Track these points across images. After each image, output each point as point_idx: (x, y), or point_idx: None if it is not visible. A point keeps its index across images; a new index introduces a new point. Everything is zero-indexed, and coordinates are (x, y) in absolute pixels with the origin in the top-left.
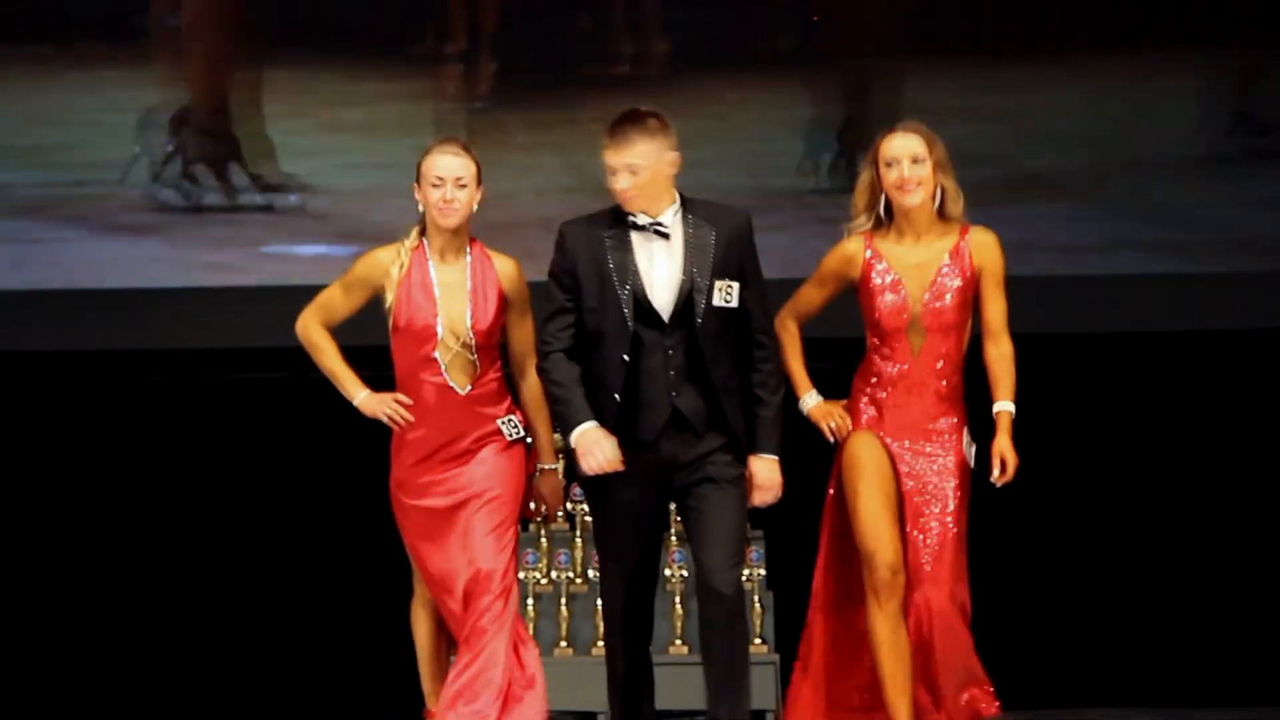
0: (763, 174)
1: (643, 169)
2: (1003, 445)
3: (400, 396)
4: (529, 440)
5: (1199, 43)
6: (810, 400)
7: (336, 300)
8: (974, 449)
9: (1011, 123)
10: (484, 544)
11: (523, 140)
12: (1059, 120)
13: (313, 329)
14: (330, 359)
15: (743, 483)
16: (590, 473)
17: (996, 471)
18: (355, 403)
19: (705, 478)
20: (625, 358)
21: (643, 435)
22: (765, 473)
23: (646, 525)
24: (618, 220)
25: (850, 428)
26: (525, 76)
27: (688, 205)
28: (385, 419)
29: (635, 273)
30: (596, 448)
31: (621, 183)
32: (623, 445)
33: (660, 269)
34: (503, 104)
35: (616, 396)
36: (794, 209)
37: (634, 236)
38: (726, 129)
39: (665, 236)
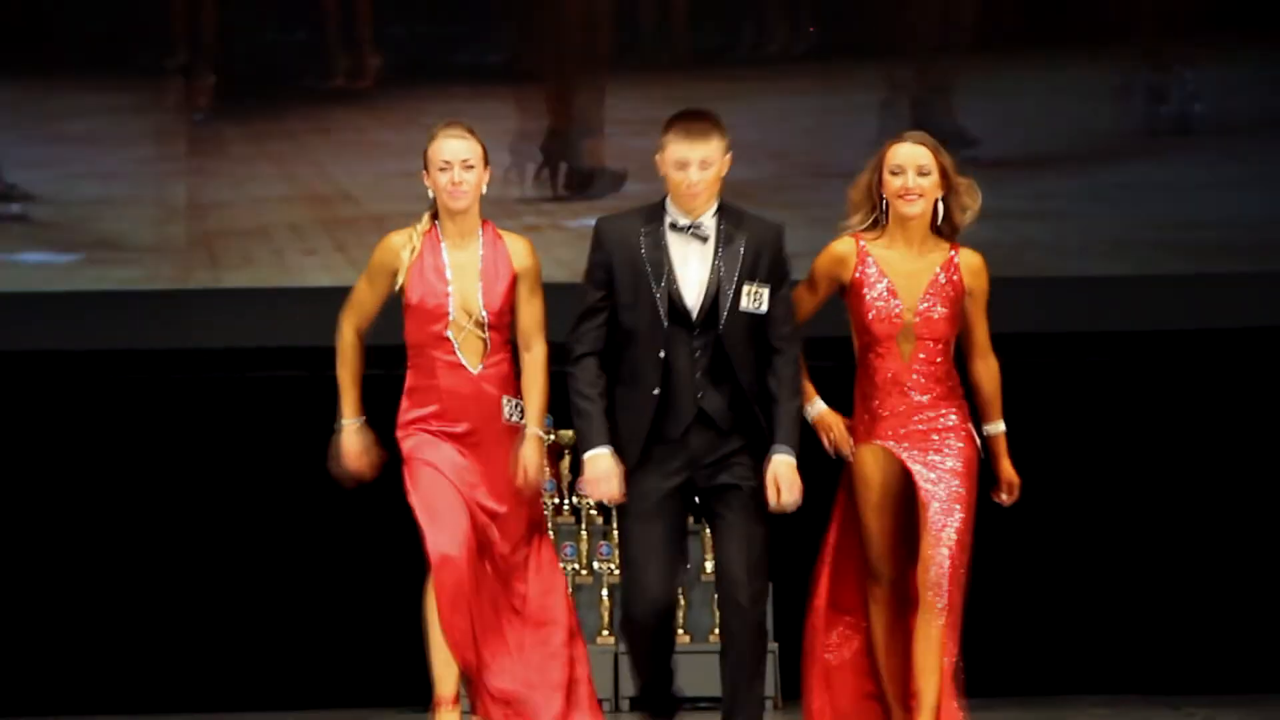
0: (497, 183)
1: (714, 163)
2: (1008, 472)
3: (369, 458)
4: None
5: (882, 57)
6: (812, 410)
7: (363, 294)
8: (978, 435)
9: None
10: (510, 544)
11: (241, 151)
12: (750, 132)
13: (345, 334)
14: (345, 371)
15: (765, 490)
16: (591, 499)
17: (1005, 495)
18: (340, 425)
19: (731, 484)
20: (662, 355)
21: (670, 433)
22: (786, 472)
23: (673, 517)
24: (654, 218)
25: (849, 445)
26: (243, 89)
27: (723, 210)
28: (342, 465)
29: (670, 272)
30: (604, 481)
31: (695, 175)
32: (650, 440)
33: (692, 269)
34: (221, 116)
35: (655, 393)
36: (499, 217)
37: (670, 236)
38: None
39: (703, 239)
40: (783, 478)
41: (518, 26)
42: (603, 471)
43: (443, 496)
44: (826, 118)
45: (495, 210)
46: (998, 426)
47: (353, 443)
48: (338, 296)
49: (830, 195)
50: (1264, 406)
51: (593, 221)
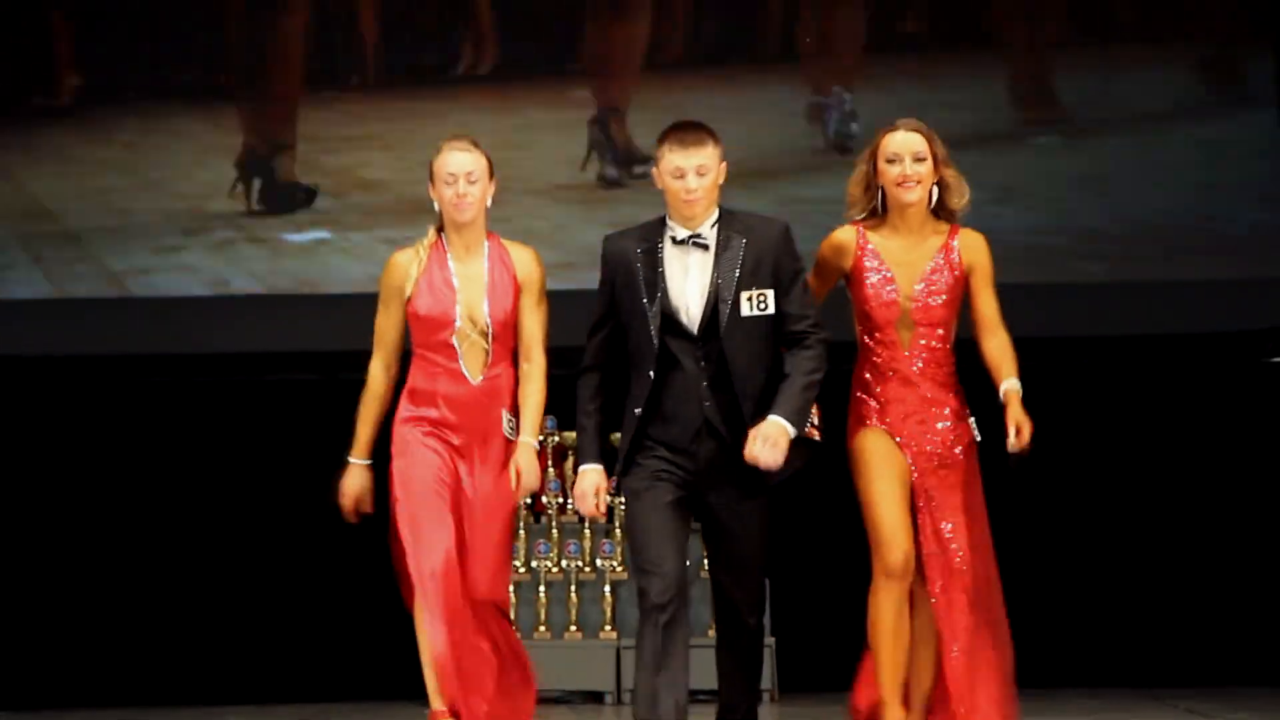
0: (193, 198)
1: (710, 170)
2: (1017, 415)
3: (363, 503)
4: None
5: (562, 78)
6: None
7: (383, 325)
8: (974, 420)
9: (404, 151)
10: (482, 568)
11: None
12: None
13: (372, 372)
14: (364, 410)
15: (764, 512)
16: (579, 511)
17: (1012, 437)
18: (348, 460)
19: (730, 505)
20: (651, 373)
21: (678, 443)
22: (771, 430)
23: (677, 494)
24: (652, 235)
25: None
26: None
27: (724, 218)
28: (344, 504)
29: (664, 288)
30: (586, 498)
31: (693, 182)
32: (661, 448)
33: (693, 280)
34: None
35: (638, 411)
36: (198, 232)
37: (667, 250)
38: (139, 157)
39: (705, 248)
40: (765, 434)
41: (215, 46)
42: (586, 488)
43: (427, 509)
44: (512, 135)
45: (195, 225)
46: (1011, 384)
47: (353, 483)
48: (347, 302)
49: (518, 210)
50: (1230, 412)
51: (286, 237)
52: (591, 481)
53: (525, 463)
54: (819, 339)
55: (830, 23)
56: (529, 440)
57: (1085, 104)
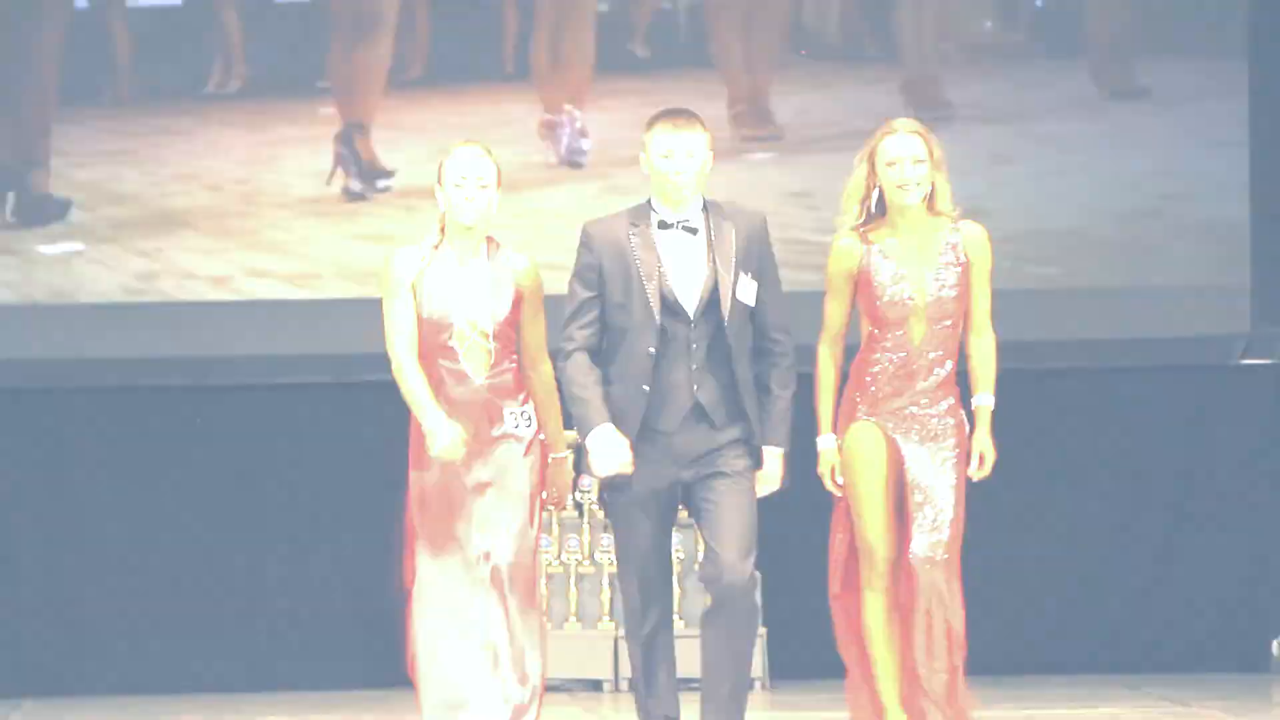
0: None
1: (699, 153)
2: (983, 442)
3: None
4: (541, 436)
5: (307, 97)
6: (822, 444)
7: (401, 312)
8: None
9: (154, 166)
10: (503, 537)
11: None
12: (188, 164)
13: (402, 356)
14: (417, 383)
15: (753, 475)
16: (601, 475)
17: (975, 465)
18: (426, 426)
19: (717, 472)
20: (652, 350)
21: (663, 426)
22: (767, 464)
23: (660, 515)
24: (641, 219)
25: (838, 491)
26: None
27: (709, 205)
28: (445, 443)
29: (661, 269)
30: (610, 453)
31: (682, 163)
32: (642, 434)
33: (686, 264)
34: None
35: (646, 388)
36: None
37: (658, 234)
38: None
39: (693, 232)
40: (768, 481)
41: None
42: (608, 444)
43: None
44: (261, 150)
45: None
46: (984, 399)
47: (453, 431)
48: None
49: (264, 222)
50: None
51: (40, 249)
52: (612, 437)
53: (562, 480)
54: (790, 345)
55: (562, 44)
56: (561, 455)
57: (797, 122)
